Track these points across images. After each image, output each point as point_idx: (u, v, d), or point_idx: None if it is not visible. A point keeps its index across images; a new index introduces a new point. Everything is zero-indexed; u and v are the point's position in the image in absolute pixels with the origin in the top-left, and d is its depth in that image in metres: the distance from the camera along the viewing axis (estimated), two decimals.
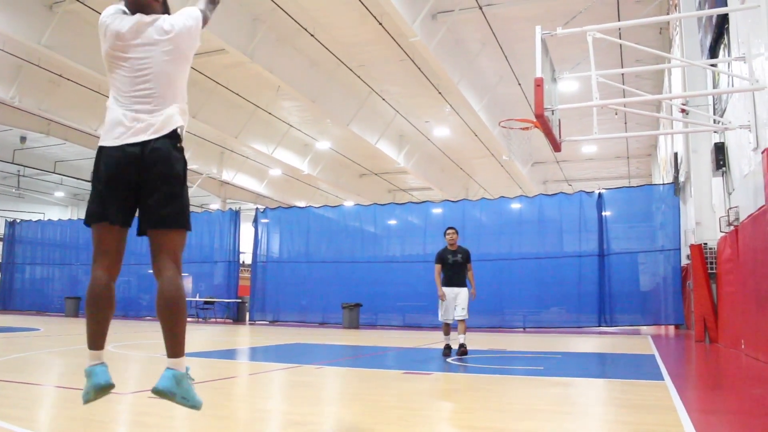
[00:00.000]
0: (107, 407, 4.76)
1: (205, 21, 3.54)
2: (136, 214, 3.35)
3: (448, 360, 8.80)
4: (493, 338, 14.10)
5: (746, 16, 8.63)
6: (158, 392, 3.17)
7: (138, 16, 3.37)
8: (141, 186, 3.27)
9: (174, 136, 3.33)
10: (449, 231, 9.55)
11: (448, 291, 9.22)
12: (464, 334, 9.15)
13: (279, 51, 18.38)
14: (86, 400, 3.17)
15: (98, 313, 3.23)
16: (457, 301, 9.16)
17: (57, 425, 4.18)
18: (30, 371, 7.10)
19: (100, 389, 3.14)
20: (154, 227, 3.29)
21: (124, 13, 3.42)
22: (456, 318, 9.14)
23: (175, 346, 3.25)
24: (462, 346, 9.01)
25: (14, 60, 19.10)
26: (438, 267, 9.39)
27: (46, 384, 6.18)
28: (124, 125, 3.26)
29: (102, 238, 3.29)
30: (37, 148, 29.03)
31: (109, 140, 3.28)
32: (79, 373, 6.97)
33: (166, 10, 3.50)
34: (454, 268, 9.31)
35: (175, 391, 3.16)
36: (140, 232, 3.35)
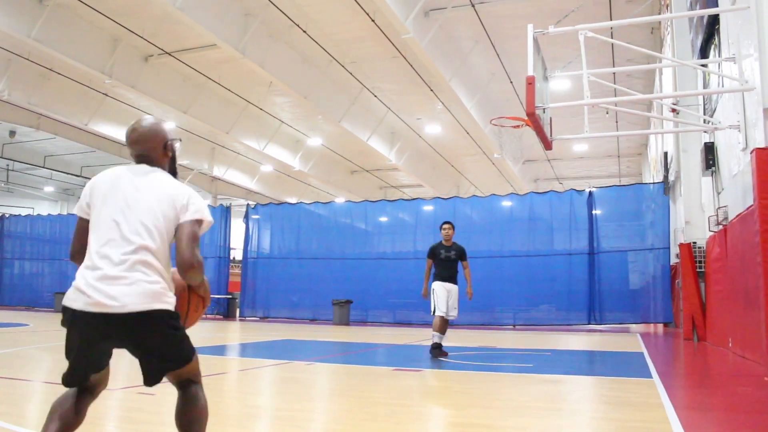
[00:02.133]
0: (96, 403, 4.74)
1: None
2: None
3: (440, 359, 8.79)
4: (483, 335, 14.13)
5: (736, 16, 8.68)
6: None
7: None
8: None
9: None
10: (445, 226, 9.15)
11: (442, 285, 8.76)
12: (444, 333, 8.72)
13: (271, 47, 18.33)
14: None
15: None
16: (450, 299, 8.77)
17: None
18: (18, 367, 7.06)
19: None
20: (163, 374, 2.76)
21: None
22: (447, 317, 8.73)
23: None
24: (440, 345, 8.61)
25: (3, 53, 18.95)
26: (429, 262, 9.01)
27: (34, 380, 6.16)
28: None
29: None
30: (27, 143, 28.82)
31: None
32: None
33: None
34: (446, 263, 8.87)
35: None
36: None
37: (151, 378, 2.68)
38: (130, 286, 2.53)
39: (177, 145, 2.99)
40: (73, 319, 2.61)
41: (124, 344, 2.63)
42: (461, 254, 9.03)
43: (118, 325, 2.53)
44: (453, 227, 9.18)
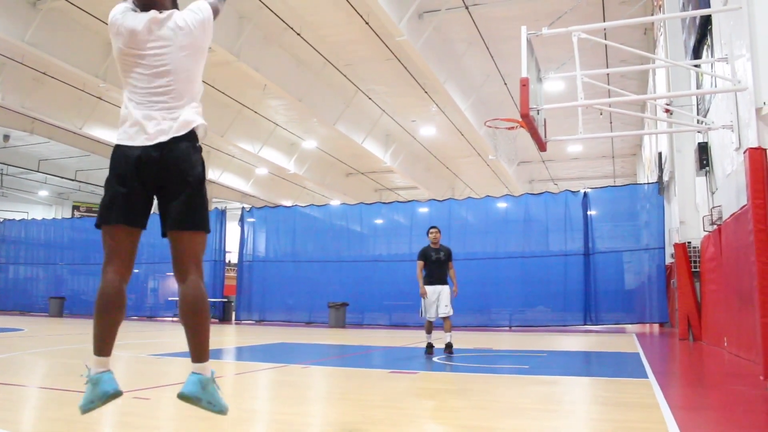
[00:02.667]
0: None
1: (216, 12, 3.47)
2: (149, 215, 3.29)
3: (434, 359, 8.83)
4: (479, 337, 14.13)
5: (728, 17, 8.71)
6: (184, 397, 3.11)
7: (151, 12, 3.28)
8: (159, 188, 3.20)
9: (192, 137, 3.27)
10: (432, 230, 9.67)
11: (431, 289, 9.33)
12: (450, 332, 9.36)
13: (265, 50, 18.32)
14: (87, 409, 3.02)
15: (110, 318, 3.15)
16: (440, 299, 9.29)
17: (40, 427, 4.15)
18: (12, 372, 7.04)
19: (108, 397, 3.04)
20: (177, 229, 3.21)
21: (134, 10, 3.32)
22: (440, 315, 9.29)
23: (199, 351, 3.20)
24: (449, 345, 9.17)
25: None
26: (420, 264, 9.50)
27: (29, 385, 6.13)
28: (141, 125, 3.17)
29: (116, 240, 3.19)
30: (21, 147, 28.75)
31: (126, 140, 3.18)
32: (62, 374, 6.94)
33: (175, 5, 3.43)
34: (437, 265, 9.41)
35: (201, 396, 3.13)
36: (164, 234, 3.27)
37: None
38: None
39: None
40: None
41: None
42: (449, 255, 9.58)
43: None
44: (439, 231, 9.73)
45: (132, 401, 4.96)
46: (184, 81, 3.29)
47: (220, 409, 3.22)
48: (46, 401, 5.19)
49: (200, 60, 3.41)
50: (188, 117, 3.25)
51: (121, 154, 3.18)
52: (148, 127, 3.16)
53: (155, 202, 3.30)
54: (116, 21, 3.27)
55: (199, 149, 3.32)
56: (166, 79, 3.23)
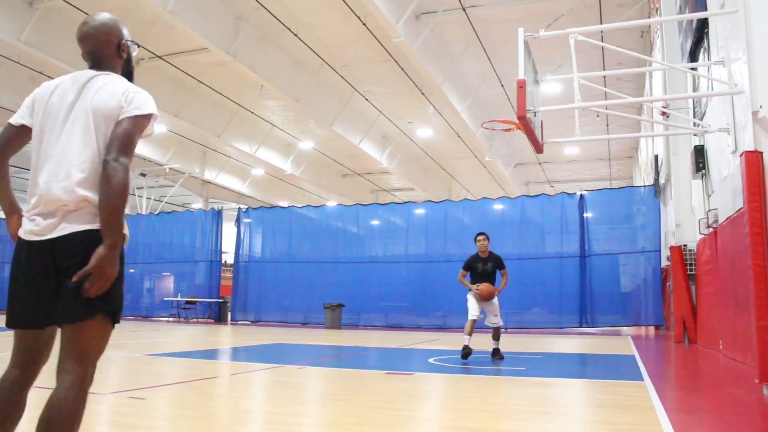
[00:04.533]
0: (87, 407, 4.71)
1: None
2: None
3: (431, 360, 8.81)
4: (475, 339, 14.07)
5: (725, 20, 8.73)
6: None
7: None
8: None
9: None
10: (480, 237, 9.12)
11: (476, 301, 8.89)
12: (498, 340, 9.04)
13: (262, 50, 18.31)
14: None
15: None
16: (489, 310, 8.95)
17: (34, 426, 4.13)
18: None
19: None
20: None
21: None
22: (491, 325, 8.95)
23: None
24: (497, 350, 8.91)
25: None
26: (462, 272, 9.05)
27: None
28: None
29: None
30: None
31: None
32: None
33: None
34: (483, 277, 8.92)
35: None
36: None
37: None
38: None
39: (133, 49, 2.71)
40: None
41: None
42: (498, 264, 9.09)
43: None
44: (488, 237, 9.17)
45: (127, 401, 4.95)
46: None
47: None
48: (41, 400, 5.16)
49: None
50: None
51: None
52: None
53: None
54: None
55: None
56: None
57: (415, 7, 15.59)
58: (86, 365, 2.42)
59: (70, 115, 2.46)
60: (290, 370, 7.77)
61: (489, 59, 19.05)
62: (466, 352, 8.40)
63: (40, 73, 19.99)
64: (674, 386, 7.10)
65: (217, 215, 22.43)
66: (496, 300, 8.99)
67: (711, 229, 10.32)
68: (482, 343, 9.65)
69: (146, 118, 2.44)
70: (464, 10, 16.35)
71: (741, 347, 8.15)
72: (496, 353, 8.89)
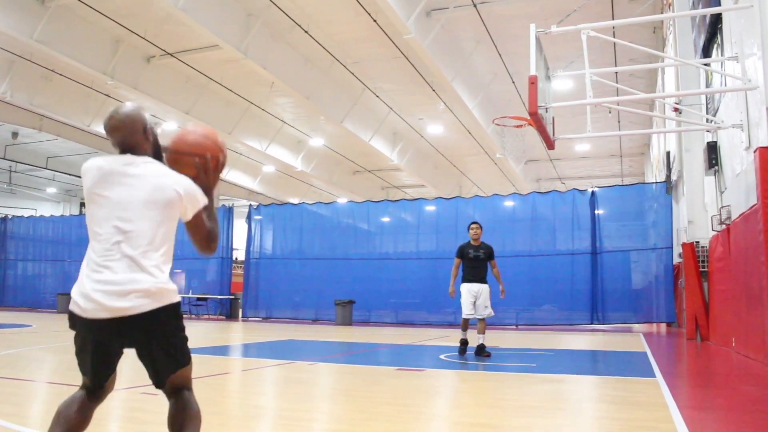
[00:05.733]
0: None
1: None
2: None
3: (442, 356, 8.81)
4: (486, 335, 14.09)
5: (739, 16, 8.66)
6: None
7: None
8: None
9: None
10: (473, 226, 9.31)
11: (468, 287, 8.96)
12: (483, 333, 8.95)
13: (273, 47, 18.33)
14: None
15: None
16: (479, 298, 8.92)
17: (48, 421, 4.16)
18: (21, 367, 7.07)
19: None
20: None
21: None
22: (479, 316, 8.92)
23: None
24: (482, 347, 8.83)
25: (6, 55, 18.98)
26: (457, 261, 9.18)
27: (38, 380, 6.16)
28: None
29: None
30: (29, 144, 28.87)
31: None
32: (70, 369, 6.96)
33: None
34: (475, 263, 9.04)
35: None
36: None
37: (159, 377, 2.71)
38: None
39: (158, 130, 2.91)
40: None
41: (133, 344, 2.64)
42: (490, 254, 9.17)
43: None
44: (480, 227, 9.33)
45: (140, 396, 4.98)
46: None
47: None
48: (55, 396, 5.20)
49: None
50: None
51: None
52: None
53: None
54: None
55: None
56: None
57: (425, 3, 15.55)
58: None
59: None
60: (301, 366, 7.78)
61: (500, 55, 18.98)
62: (463, 346, 8.82)
63: (52, 71, 20.14)
64: (687, 383, 7.07)
65: (228, 212, 22.50)
66: (486, 290, 9.02)
67: (724, 226, 10.26)
68: (486, 339, 9.63)
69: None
70: (475, 6, 16.29)
71: (754, 344, 8.10)
72: (481, 350, 8.80)
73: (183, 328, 2.70)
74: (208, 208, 2.81)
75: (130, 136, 2.77)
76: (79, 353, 2.65)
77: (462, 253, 9.18)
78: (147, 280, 2.54)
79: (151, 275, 2.56)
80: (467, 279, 9.04)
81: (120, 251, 2.55)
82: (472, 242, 9.23)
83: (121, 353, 2.72)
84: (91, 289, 2.51)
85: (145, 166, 2.70)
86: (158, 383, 2.72)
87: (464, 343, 8.89)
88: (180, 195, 2.66)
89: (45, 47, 16.55)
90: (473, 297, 8.91)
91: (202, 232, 2.81)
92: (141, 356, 2.67)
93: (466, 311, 8.93)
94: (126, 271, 2.53)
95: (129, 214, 2.60)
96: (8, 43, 17.86)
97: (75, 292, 2.55)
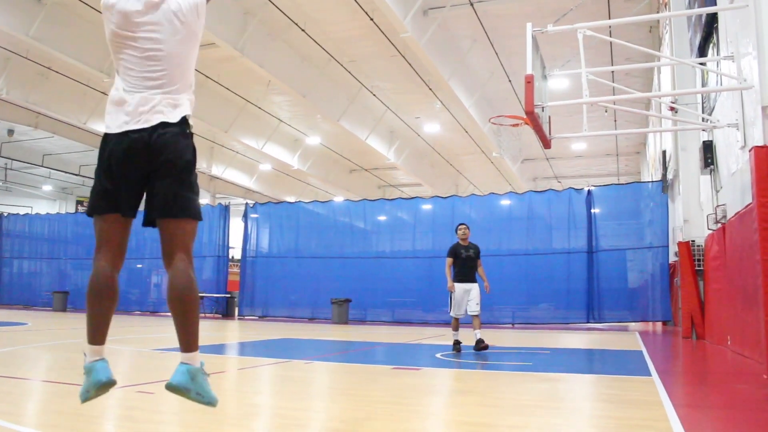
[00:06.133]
0: (95, 402, 4.73)
1: None
2: (141, 203, 3.25)
3: (438, 355, 8.83)
4: (482, 334, 14.10)
5: (735, 15, 8.68)
6: (172, 388, 3.08)
7: None
8: (149, 174, 3.15)
9: (183, 123, 3.21)
10: (462, 226, 9.63)
11: (460, 287, 9.31)
12: (479, 329, 9.31)
13: (270, 46, 18.32)
14: (85, 399, 3.05)
15: (101, 306, 3.10)
16: (470, 296, 9.28)
17: (44, 419, 4.16)
18: (17, 365, 7.06)
19: (101, 386, 3.03)
20: (164, 216, 3.16)
21: None
22: (470, 313, 9.28)
23: (188, 341, 3.16)
24: (480, 341, 9.10)
25: (2, 52, 18.94)
26: (449, 260, 9.45)
27: (33, 378, 6.15)
28: (130, 110, 3.13)
29: (107, 229, 3.18)
30: (25, 141, 28.80)
31: (114, 127, 3.14)
32: (66, 368, 6.96)
33: None
34: (467, 262, 9.37)
35: (190, 387, 3.09)
36: (146, 223, 3.21)
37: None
38: None
39: None
40: None
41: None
42: (478, 253, 9.56)
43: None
44: (468, 228, 9.68)
45: (136, 395, 4.97)
46: (177, 66, 3.25)
47: (209, 401, 3.19)
48: (50, 394, 5.20)
49: (194, 46, 3.37)
50: (180, 103, 3.22)
51: (110, 141, 3.16)
52: (137, 110, 3.12)
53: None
54: (109, 3, 3.22)
55: (190, 136, 3.25)
56: (159, 64, 3.19)
57: (422, 2, 15.57)
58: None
59: None
60: (297, 364, 7.78)
61: (497, 54, 19.00)
62: (457, 347, 9.15)
63: (48, 68, 20.09)
64: (682, 382, 7.09)
65: (225, 211, 22.48)
66: (477, 288, 9.33)
67: (719, 225, 10.28)
68: (484, 337, 9.64)
69: None
70: (472, 5, 16.30)
71: (749, 343, 8.12)
72: (480, 343, 9.11)
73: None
74: None
75: None
76: None
77: (455, 253, 9.45)
78: None
79: None
80: (460, 279, 9.35)
81: None
82: (461, 242, 9.51)
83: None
84: None
85: (164, 4, 3.27)
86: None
87: (459, 343, 9.22)
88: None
89: (41, 44, 16.52)
90: (465, 295, 9.26)
91: None
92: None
93: (458, 311, 9.29)
94: None
95: None
96: (4, 40, 17.82)
97: None
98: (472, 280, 9.39)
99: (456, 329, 9.34)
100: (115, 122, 3.16)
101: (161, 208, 3.15)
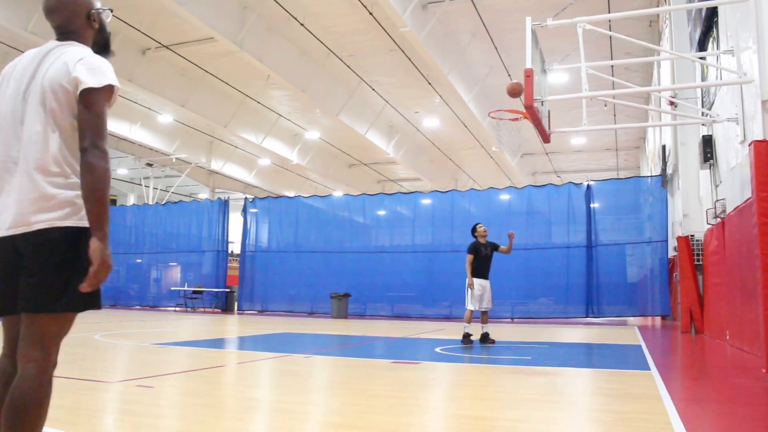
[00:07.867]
0: (95, 396, 4.75)
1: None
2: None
3: (437, 349, 8.84)
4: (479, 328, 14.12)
5: (735, 9, 8.67)
6: None
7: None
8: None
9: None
10: (481, 226, 10.06)
11: (478, 282, 9.69)
12: (487, 323, 9.90)
13: (268, 40, 18.28)
14: None
15: None
16: (485, 293, 9.74)
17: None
18: None
19: None
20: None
21: None
22: (483, 308, 9.73)
23: None
24: (487, 335, 9.70)
25: (0, 47, 18.89)
26: (470, 257, 9.75)
27: None
28: None
29: None
30: None
31: None
32: (65, 362, 6.96)
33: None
34: (486, 260, 9.84)
35: None
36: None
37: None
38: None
39: (105, 16, 2.52)
40: None
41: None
42: (495, 248, 10.05)
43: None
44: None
45: (135, 389, 4.98)
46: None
47: None
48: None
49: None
50: None
51: None
52: None
53: None
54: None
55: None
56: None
57: None
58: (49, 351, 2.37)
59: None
60: (297, 359, 7.79)
61: (496, 49, 18.97)
62: (468, 340, 9.39)
63: None
64: (681, 376, 7.10)
65: (224, 205, 22.46)
66: (490, 285, 9.89)
67: (718, 219, 10.29)
68: (494, 332, 9.65)
69: (110, 90, 2.29)
70: None
71: (748, 337, 8.13)
72: (486, 337, 9.67)
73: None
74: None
75: (69, 22, 2.42)
76: None
77: (476, 250, 9.79)
78: None
79: None
80: (477, 275, 9.75)
81: None
82: (481, 240, 9.93)
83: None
84: None
85: (61, 50, 2.34)
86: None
87: (470, 335, 9.48)
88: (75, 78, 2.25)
89: (39, 39, 16.44)
90: (482, 291, 9.70)
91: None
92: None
93: (479, 305, 9.67)
94: None
95: None
96: (3, 35, 17.77)
97: None
98: (487, 277, 9.84)
99: (469, 321, 9.60)
100: None
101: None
